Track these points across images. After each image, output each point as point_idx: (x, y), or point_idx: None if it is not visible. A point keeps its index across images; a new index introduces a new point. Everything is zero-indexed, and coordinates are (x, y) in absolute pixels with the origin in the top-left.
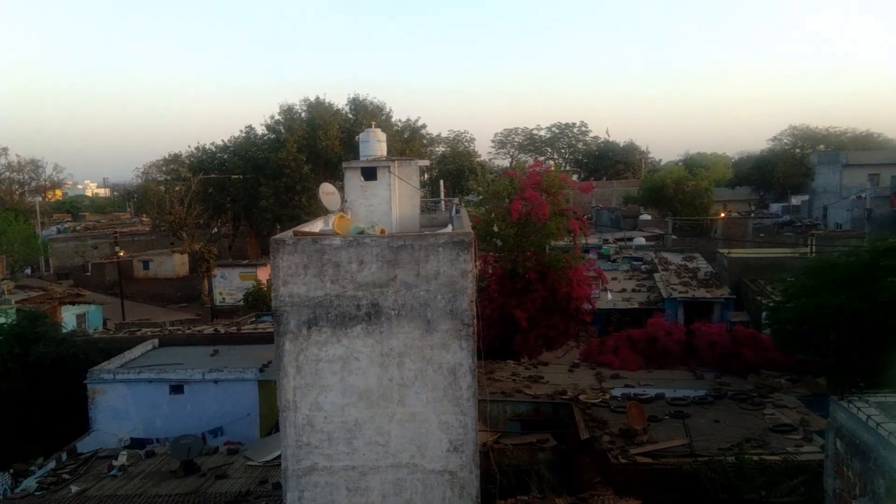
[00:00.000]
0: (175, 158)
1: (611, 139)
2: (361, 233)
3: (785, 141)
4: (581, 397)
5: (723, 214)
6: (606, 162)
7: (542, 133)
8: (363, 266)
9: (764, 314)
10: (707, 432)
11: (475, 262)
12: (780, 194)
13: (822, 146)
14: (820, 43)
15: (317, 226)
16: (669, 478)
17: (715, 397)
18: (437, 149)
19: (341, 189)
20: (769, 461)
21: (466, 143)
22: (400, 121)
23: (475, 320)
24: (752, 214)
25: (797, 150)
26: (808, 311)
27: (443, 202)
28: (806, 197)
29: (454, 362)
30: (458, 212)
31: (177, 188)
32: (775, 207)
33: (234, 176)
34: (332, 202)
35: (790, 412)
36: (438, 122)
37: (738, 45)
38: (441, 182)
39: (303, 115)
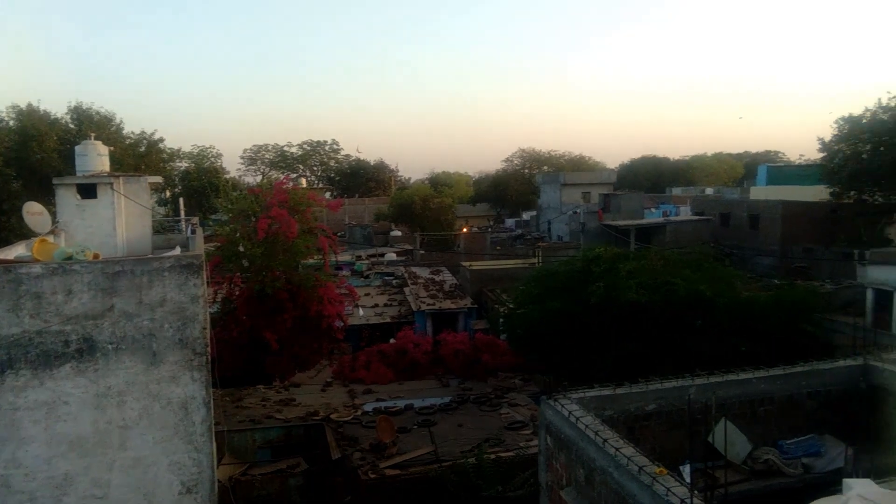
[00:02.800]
0: None
1: (362, 157)
2: (69, 258)
3: (516, 162)
4: (333, 416)
5: (465, 229)
6: (359, 180)
7: (294, 150)
8: (71, 296)
9: (500, 321)
10: (451, 437)
11: (208, 285)
12: (514, 210)
13: (545, 167)
14: (543, 73)
15: (14, 251)
16: (417, 486)
17: (458, 403)
18: (180, 164)
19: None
20: (504, 457)
21: (213, 159)
22: (133, 133)
23: (209, 348)
24: (490, 229)
25: (526, 171)
26: (535, 315)
27: (183, 222)
28: (534, 212)
29: (185, 396)
30: (193, 232)
31: None
32: (510, 222)
33: None
34: (40, 223)
35: (522, 410)
36: (182, 136)
37: (472, 72)
38: (181, 200)
39: (11, 123)
